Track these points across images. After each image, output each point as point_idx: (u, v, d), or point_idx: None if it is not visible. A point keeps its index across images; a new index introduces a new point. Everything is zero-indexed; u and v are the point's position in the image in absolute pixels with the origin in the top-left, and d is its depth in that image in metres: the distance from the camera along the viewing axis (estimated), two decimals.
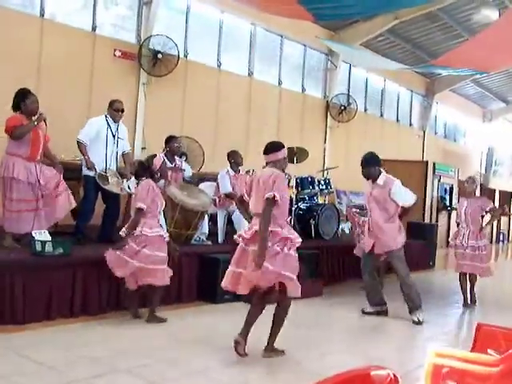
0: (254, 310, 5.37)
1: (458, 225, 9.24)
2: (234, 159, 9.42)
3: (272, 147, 5.44)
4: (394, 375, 2.17)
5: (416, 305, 7.54)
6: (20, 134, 6.84)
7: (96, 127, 8.07)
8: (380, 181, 7.58)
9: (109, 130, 8.10)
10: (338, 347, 6.25)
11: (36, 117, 7.01)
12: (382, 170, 7.75)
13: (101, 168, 7.97)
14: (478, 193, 9.19)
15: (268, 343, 5.37)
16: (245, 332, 5.27)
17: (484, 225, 9.09)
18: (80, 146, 7.98)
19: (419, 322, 7.37)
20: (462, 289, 9.08)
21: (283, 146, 5.47)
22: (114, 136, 8.13)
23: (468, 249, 8.82)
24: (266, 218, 5.07)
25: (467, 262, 8.84)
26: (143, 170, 6.53)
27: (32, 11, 10.09)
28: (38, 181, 6.97)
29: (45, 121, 7.03)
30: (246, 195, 5.51)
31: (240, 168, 9.33)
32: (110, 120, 8.15)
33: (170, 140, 8.89)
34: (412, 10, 14.56)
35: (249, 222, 5.53)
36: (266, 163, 5.44)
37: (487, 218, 9.48)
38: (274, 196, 5.06)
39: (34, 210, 6.92)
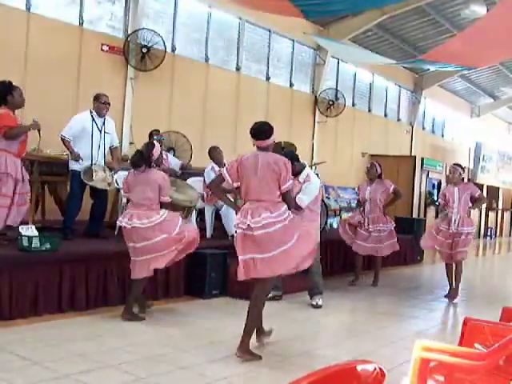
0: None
1: (439, 211, 9.26)
2: (213, 156, 9.43)
3: (265, 132, 5.36)
4: (381, 369, 2.17)
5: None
6: (14, 136, 6.72)
7: (81, 123, 7.99)
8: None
9: (94, 124, 8.03)
10: (325, 342, 6.27)
11: (31, 124, 6.91)
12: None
13: (87, 164, 7.92)
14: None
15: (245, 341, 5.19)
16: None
17: (468, 207, 9.14)
18: (64, 141, 7.94)
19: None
20: (448, 278, 9.17)
21: (273, 128, 5.43)
22: (100, 131, 8.08)
23: (457, 236, 8.86)
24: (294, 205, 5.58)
25: (452, 252, 8.91)
26: (141, 159, 6.41)
27: (18, 4, 10.00)
28: (23, 177, 6.92)
29: (39, 131, 6.97)
30: (230, 180, 5.30)
31: (225, 163, 9.28)
32: (95, 114, 8.08)
33: (151, 134, 8.92)
34: (400, 5, 14.58)
35: (233, 207, 5.54)
36: (259, 148, 5.34)
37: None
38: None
39: (19, 204, 6.87)
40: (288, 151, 7.63)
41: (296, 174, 7.42)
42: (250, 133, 5.37)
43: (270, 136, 5.35)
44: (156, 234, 6.19)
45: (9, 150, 6.77)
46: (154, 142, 6.77)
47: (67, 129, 7.97)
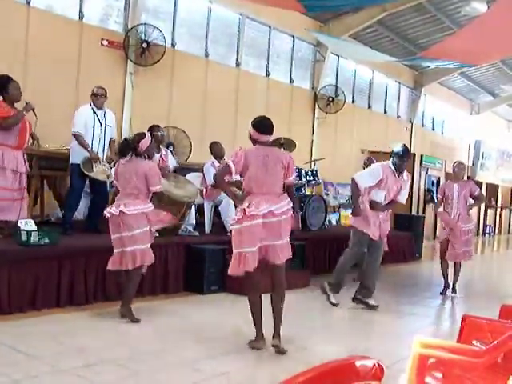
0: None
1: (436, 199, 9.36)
2: (214, 151, 9.42)
3: (272, 127, 5.47)
4: (380, 365, 2.17)
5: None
6: (10, 125, 6.73)
7: (83, 116, 7.99)
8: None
9: (95, 117, 8.03)
10: (324, 338, 6.26)
11: (24, 105, 6.91)
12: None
13: (87, 156, 7.90)
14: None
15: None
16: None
17: (468, 205, 9.17)
18: (78, 138, 7.86)
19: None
20: (443, 274, 9.21)
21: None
22: (100, 123, 8.07)
23: (460, 235, 8.90)
24: (295, 198, 5.58)
25: (457, 251, 8.93)
26: (127, 147, 6.30)
27: None
28: (26, 169, 6.94)
29: (33, 110, 6.94)
30: (235, 170, 5.29)
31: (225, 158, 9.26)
32: (95, 107, 8.09)
33: (153, 129, 8.85)
34: (400, 2, 14.56)
35: (235, 199, 5.53)
36: (263, 142, 5.39)
37: (471, 201, 9.48)
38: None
39: (20, 199, 6.87)
40: (405, 149, 7.67)
41: (402, 171, 7.61)
42: (259, 127, 5.41)
43: (273, 132, 5.45)
44: (140, 224, 6.08)
45: (6, 144, 6.77)
46: (146, 133, 6.65)
47: (76, 124, 7.90)
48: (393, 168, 7.56)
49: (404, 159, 7.55)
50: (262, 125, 5.41)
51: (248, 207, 5.14)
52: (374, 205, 7.55)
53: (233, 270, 5.21)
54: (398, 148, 7.61)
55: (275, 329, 5.31)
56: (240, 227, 5.18)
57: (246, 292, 5.49)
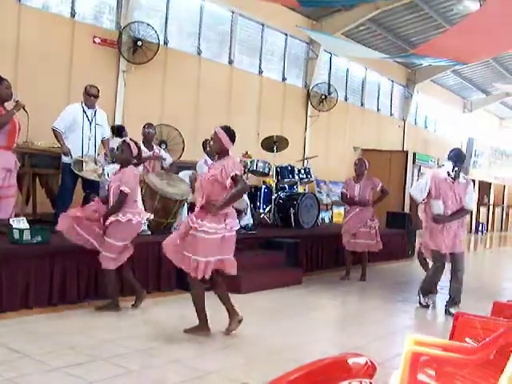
0: None
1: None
2: (207, 148, 9.40)
3: None
4: (372, 362, 2.17)
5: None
6: (1, 125, 6.70)
7: (72, 114, 7.99)
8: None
9: (84, 116, 8.01)
10: (316, 335, 6.27)
11: (14, 104, 6.86)
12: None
13: (77, 155, 7.90)
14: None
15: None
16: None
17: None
18: (55, 133, 7.94)
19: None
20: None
21: None
22: (90, 122, 8.06)
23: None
24: None
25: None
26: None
27: None
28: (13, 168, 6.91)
29: (24, 108, 6.89)
30: None
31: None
32: (85, 106, 8.07)
33: (144, 127, 8.88)
34: (393, 0, 14.58)
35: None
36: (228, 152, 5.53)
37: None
38: None
39: (13, 196, 6.86)
40: (456, 152, 7.77)
41: (457, 176, 7.58)
42: (233, 137, 5.56)
43: None
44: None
45: None
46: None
47: (59, 121, 7.96)
48: (445, 174, 7.59)
49: (457, 163, 7.58)
50: (234, 136, 5.51)
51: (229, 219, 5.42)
52: (437, 218, 7.55)
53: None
54: (450, 152, 7.76)
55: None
56: (220, 236, 5.42)
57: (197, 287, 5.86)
